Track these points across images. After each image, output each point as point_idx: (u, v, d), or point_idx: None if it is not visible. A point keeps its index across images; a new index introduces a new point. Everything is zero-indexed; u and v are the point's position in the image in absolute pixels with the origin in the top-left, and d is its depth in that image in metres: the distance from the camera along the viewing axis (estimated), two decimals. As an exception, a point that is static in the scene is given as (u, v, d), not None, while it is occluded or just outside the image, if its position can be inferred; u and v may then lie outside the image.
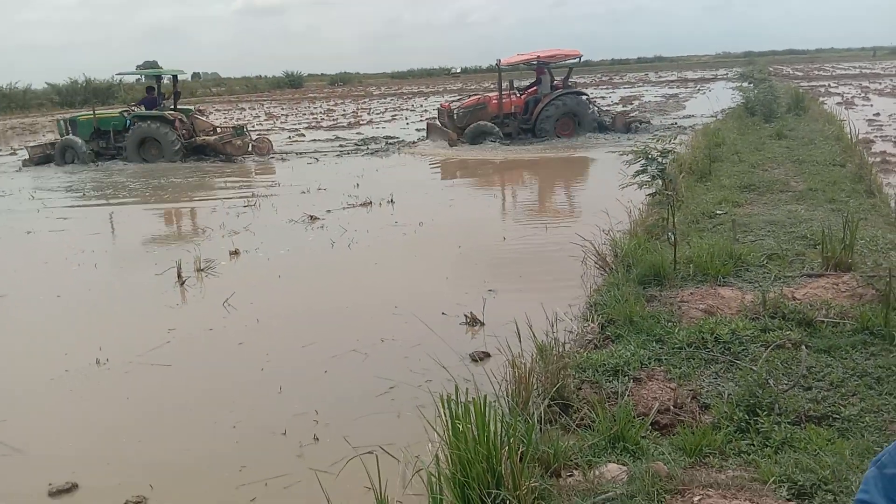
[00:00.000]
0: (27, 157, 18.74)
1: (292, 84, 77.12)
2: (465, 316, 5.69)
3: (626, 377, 3.94)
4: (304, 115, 35.51)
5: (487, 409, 2.99)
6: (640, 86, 46.58)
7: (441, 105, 19.93)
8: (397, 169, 15.32)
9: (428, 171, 14.88)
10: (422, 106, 36.05)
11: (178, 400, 4.77)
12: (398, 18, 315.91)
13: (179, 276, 7.17)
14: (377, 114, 32.86)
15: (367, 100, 47.41)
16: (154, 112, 17.63)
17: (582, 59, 20.05)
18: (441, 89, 53.61)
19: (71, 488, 3.74)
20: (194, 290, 7.04)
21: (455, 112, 18.52)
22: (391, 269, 7.60)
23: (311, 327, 5.91)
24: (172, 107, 18.25)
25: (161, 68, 18.65)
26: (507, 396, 3.64)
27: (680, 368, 4.04)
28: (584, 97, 18.63)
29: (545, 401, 3.52)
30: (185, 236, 9.14)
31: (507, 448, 2.90)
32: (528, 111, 18.12)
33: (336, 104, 43.72)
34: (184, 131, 17.71)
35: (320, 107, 41.74)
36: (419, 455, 3.40)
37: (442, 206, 10.65)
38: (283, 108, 41.90)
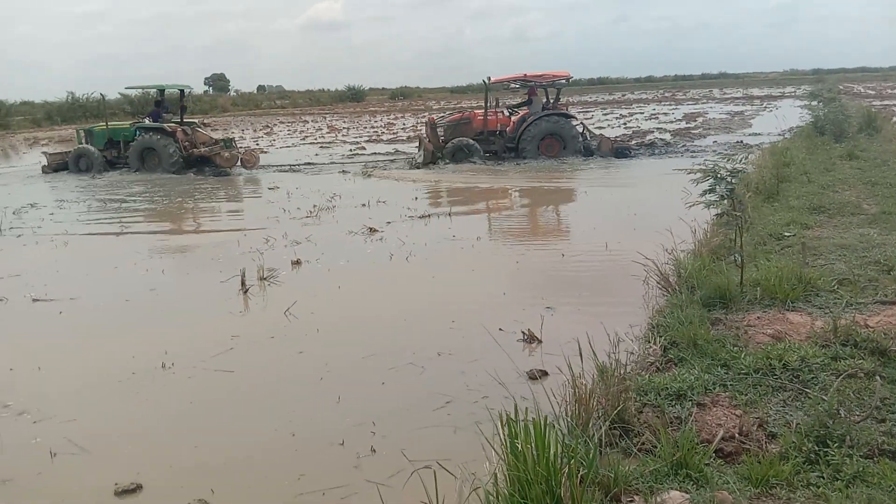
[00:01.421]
0: (45, 163, 20.02)
1: (354, 98, 78.44)
2: (523, 333, 5.65)
3: (690, 402, 3.85)
4: (365, 128, 36.04)
5: (547, 429, 2.96)
6: (703, 102, 45.82)
7: (429, 118, 19.70)
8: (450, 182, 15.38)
9: (485, 185, 14.88)
10: (481, 120, 36.09)
11: (240, 406, 4.87)
12: (458, 33, 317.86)
13: (243, 283, 7.33)
14: (437, 127, 33.05)
15: (426, 114, 47.76)
16: (155, 124, 18.79)
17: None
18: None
19: (136, 489, 3.83)
20: (257, 299, 7.19)
21: (439, 126, 18.31)
22: (448, 283, 7.62)
23: (370, 339, 5.96)
24: (179, 120, 19.39)
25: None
26: (567, 417, 3.60)
27: (746, 395, 3.93)
28: (571, 119, 18.14)
29: (606, 423, 3.46)
30: (249, 245, 9.34)
31: (566, 470, 2.87)
32: (517, 130, 17.82)
33: (396, 118, 44.23)
34: (186, 143, 18.76)
35: (381, 120, 42.29)
36: (476, 472, 3.39)
37: (500, 221, 10.65)
38: (344, 122, 42.60)
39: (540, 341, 5.51)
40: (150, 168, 18.52)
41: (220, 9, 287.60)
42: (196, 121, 21.16)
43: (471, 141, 17.54)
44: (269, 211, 12.17)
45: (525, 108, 18.30)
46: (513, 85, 18.91)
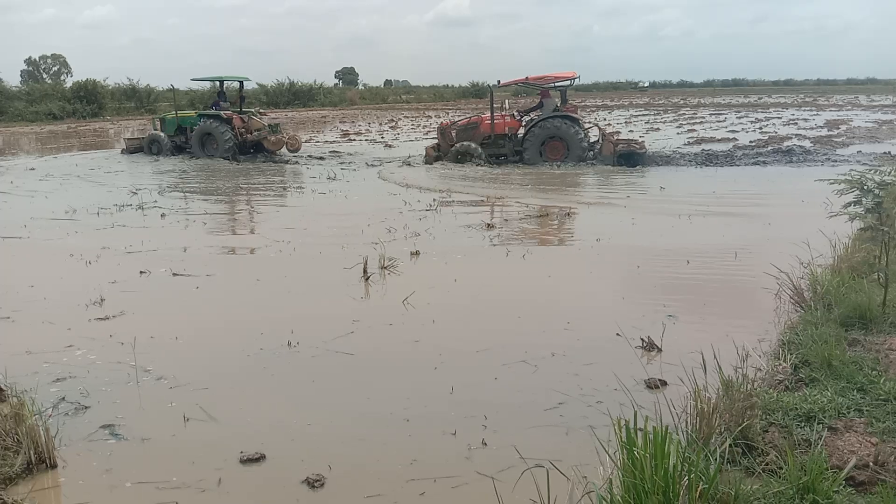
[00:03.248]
0: (124, 147, 22.44)
1: (477, 94, 78.72)
2: (642, 340, 5.51)
3: (821, 425, 3.64)
4: (487, 124, 36.08)
5: (667, 439, 2.89)
6: (848, 109, 42.87)
7: (441, 123, 20.06)
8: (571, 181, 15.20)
9: (609, 186, 14.59)
10: (605, 119, 35.46)
11: (358, 388, 5.02)
12: (586, 31, 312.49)
13: (365, 271, 7.57)
14: (559, 126, 32.69)
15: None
16: (213, 111, 20.63)
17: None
18: (626, 103, 52.35)
19: (259, 458, 4.03)
20: (377, 286, 7.40)
21: (452, 130, 18.63)
22: (565, 284, 7.56)
23: (483, 333, 6.00)
24: (238, 109, 21.07)
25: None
26: (687, 429, 3.49)
27: (883, 423, 3.69)
28: (576, 121, 17.37)
29: (729, 439, 3.33)
30: (372, 235, 9.62)
31: (685, 482, 2.79)
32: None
33: (518, 115, 44.05)
34: (242, 129, 20.52)
35: (503, 117, 42.21)
36: (588, 476, 3.36)
37: (622, 224, 10.41)
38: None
39: (660, 349, 5.36)
40: (210, 153, 20.23)
41: (352, 4, 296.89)
42: (253, 109, 22.97)
43: (473, 145, 17.82)
44: (392, 203, 12.48)
45: (537, 111, 17.95)
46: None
